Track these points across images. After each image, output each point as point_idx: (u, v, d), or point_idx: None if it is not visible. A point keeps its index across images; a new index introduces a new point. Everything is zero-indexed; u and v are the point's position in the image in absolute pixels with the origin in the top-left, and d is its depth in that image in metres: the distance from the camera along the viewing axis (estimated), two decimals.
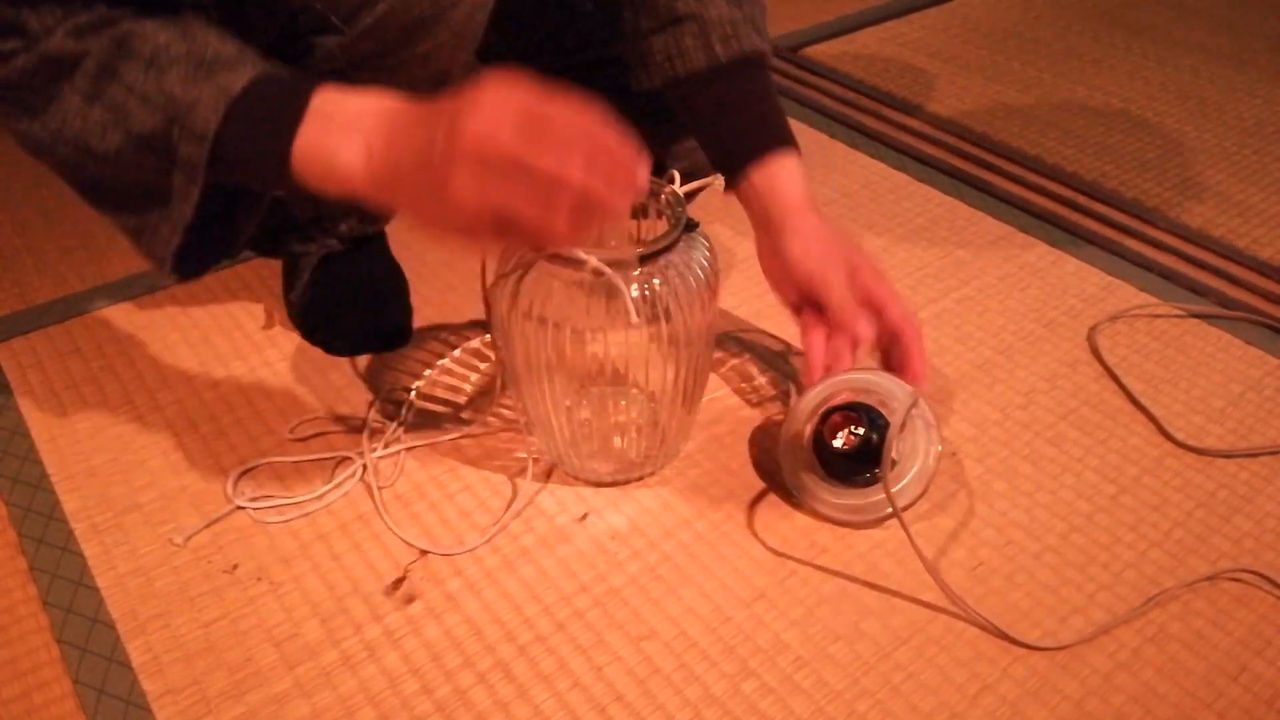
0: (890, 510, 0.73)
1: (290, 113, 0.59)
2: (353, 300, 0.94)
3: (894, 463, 0.75)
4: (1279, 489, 0.82)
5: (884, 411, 0.76)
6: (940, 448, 0.77)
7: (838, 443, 0.75)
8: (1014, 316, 1.00)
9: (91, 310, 0.99)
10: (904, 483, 0.76)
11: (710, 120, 0.83)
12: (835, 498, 0.77)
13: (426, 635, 0.70)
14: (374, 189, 0.58)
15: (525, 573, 0.74)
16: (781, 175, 0.80)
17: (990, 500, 0.80)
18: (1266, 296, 1.03)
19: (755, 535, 0.77)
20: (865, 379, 0.78)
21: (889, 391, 0.77)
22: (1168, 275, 1.06)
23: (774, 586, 0.74)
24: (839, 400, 0.77)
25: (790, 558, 0.76)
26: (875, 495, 0.76)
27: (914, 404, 0.75)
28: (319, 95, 0.59)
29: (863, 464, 0.75)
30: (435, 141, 0.54)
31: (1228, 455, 0.84)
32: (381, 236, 0.99)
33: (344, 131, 0.59)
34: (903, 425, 0.75)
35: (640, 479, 0.82)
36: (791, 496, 0.79)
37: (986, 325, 0.99)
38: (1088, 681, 0.68)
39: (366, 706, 0.66)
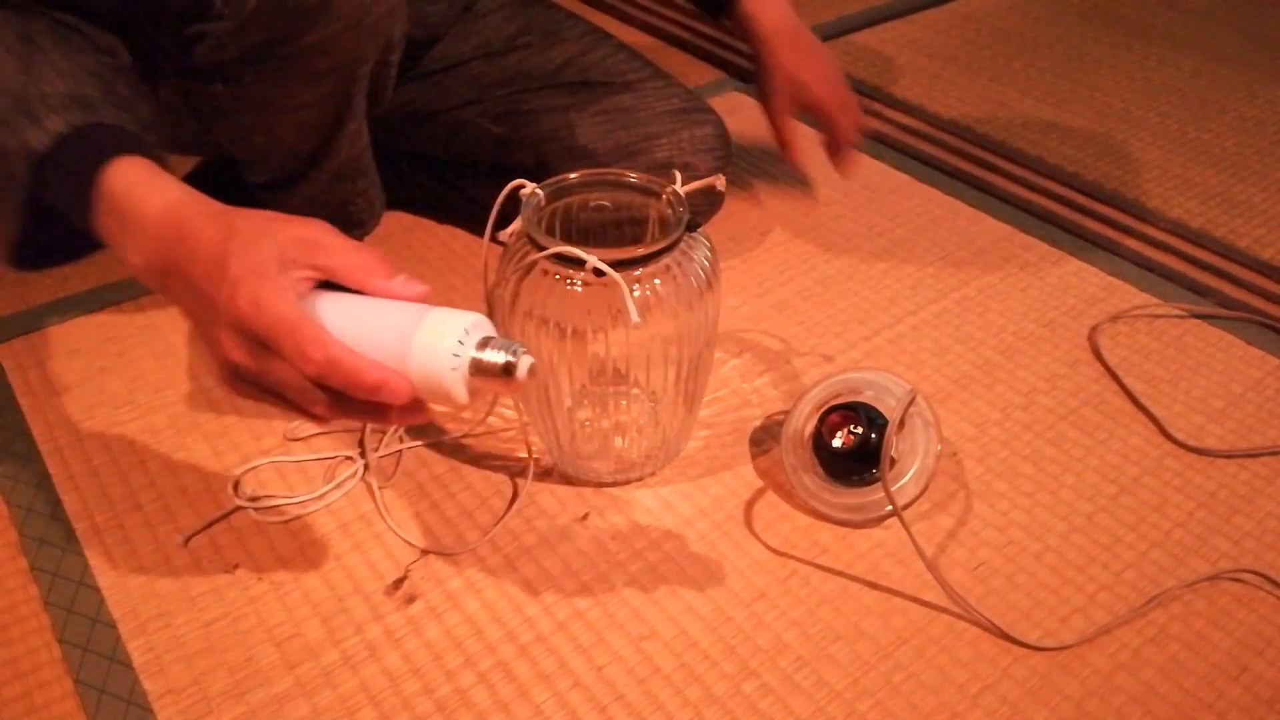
0: (890, 509, 0.73)
1: (83, 195, 0.59)
2: None
3: (893, 461, 0.75)
4: (1279, 489, 0.82)
5: (882, 410, 0.76)
6: (940, 446, 0.77)
7: (836, 442, 0.75)
8: (1014, 316, 1.00)
9: (92, 310, 0.99)
10: (903, 481, 0.76)
11: None
12: (835, 497, 0.77)
13: (427, 635, 0.70)
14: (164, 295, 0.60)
15: (526, 572, 0.75)
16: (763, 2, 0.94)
17: (991, 500, 0.80)
18: (1267, 296, 1.03)
19: (756, 535, 0.77)
20: (863, 378, 0.78)
21: (887, 390, 0.77)
22: (1168, 275, 1.06)
23: (774, 586, 0.74)
24: (838, 400, 0.77)
25: (791, 557, 0.76)
26: (875, 494, 0.76)
27: (911, 402, 0.75)
28: (109, 181, 0.58)
29: (862, 463, 0.75)
30: (203, 300, 0.55)
31: (1228, 455, 0.85)
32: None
33: (129, 236, 0.58)
34: (901, 424, 0.75)
35: (641, 479, 0.82)
36: (792, 496, 0.79)
37: (987, 325, 0.99)
38: (1088, 682, 0.68)
39: (367, 706, 0.66)
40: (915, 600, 0.73)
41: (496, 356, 0.56)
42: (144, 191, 0.58)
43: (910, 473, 0.76)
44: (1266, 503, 0.81)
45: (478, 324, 0.56)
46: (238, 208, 0.57)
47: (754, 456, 0.84)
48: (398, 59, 0.86)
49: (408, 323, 0.55)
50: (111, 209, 0.58)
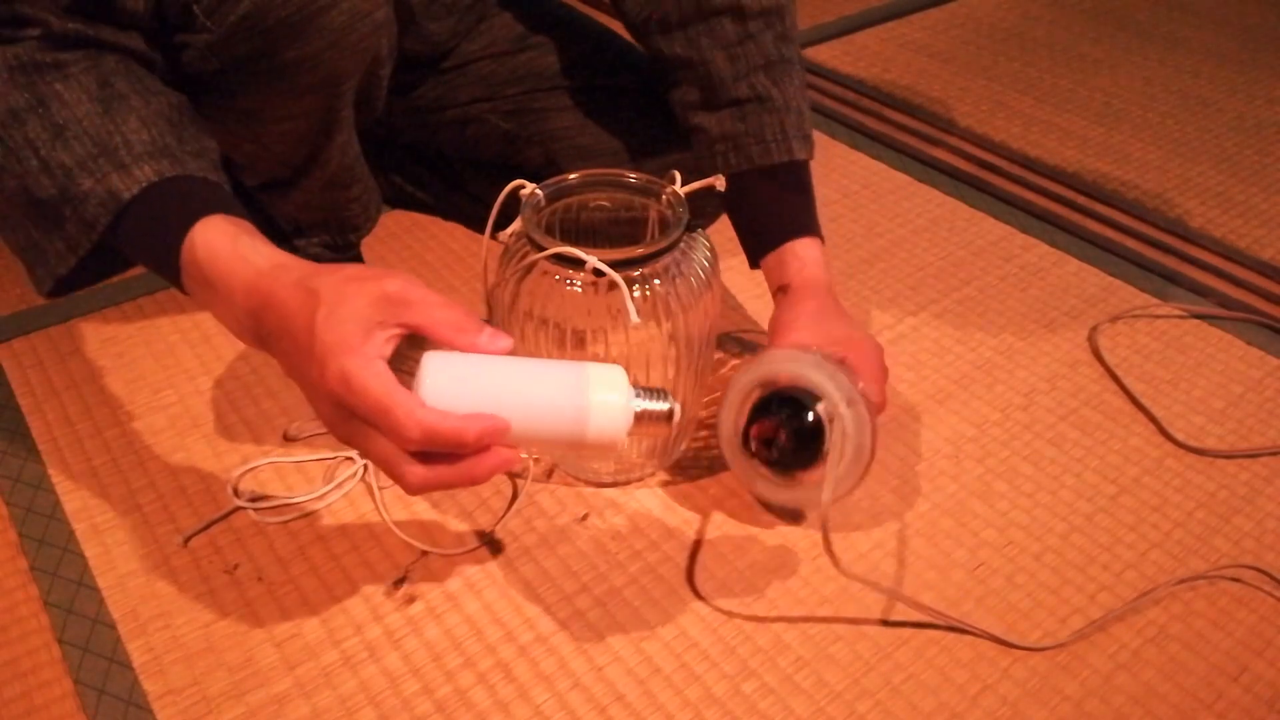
0: (831, 497, 0.69)
1: (169, 253, 0.59)
2: None
3: (824, 454, 0.70)
4: (1279, 489, 0.82)
5: (807, 390, 0.70)
6: (869, 423, 0.70)
7: (768, 447, 0.71)
8: (1014, 317, 1.00)
9: (92, 310, 0.99)
10: (840, 470, 0.70)
11: (746, 206, 0.83)
12: (779, 491, 0.75)
13: (427, 635, 0.70)
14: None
15: (526, 573, 0.75)
16: (797, 261, 0.80)
17: (991, 500, 0.80)
18: (1267, 296, 1.03)
19: (755, 535, 0.77)
20: (772, 369, 0.72)
21: (801, 372, 0.71)
22: (1168, 275, 1.06)
23: (775, 586, 0.74)
24: (759, 399, 0.73)
25: (791, 557, 0.76)
26: (816, 485, 0.71)
27: (830, 375, 0.70)
28: (196, 248, 0.58)
29: (801, 455, 0.71)
30: (300, 371, 0.55)
31: (1228, 456, 0.85)
32: (354, 251, 1.00)
33: (220, 303, 0.59)
34: (827, 418, 0.70)
35: (640, 479, 0.82)
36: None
37: (987, 325, 0.99)
38: (1088, 682, 0.68)
39: (367, 707, 0.66)
40: (916, 600, 0.73)
41: (660, 405, 0.58)
42: (228, 261, 0.58)
43: (846, 462, 0.70)
44: (1266, 503, 0.81)
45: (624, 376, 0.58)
46: (325, 266, 0.57)
47: None
48: (389, 73, 0.86)
49: (570, 384, 0.56)
50: (199, 276, 0.59)
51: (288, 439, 0.85)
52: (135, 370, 0.92)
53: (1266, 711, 0.66)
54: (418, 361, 0.55)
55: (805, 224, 0.81)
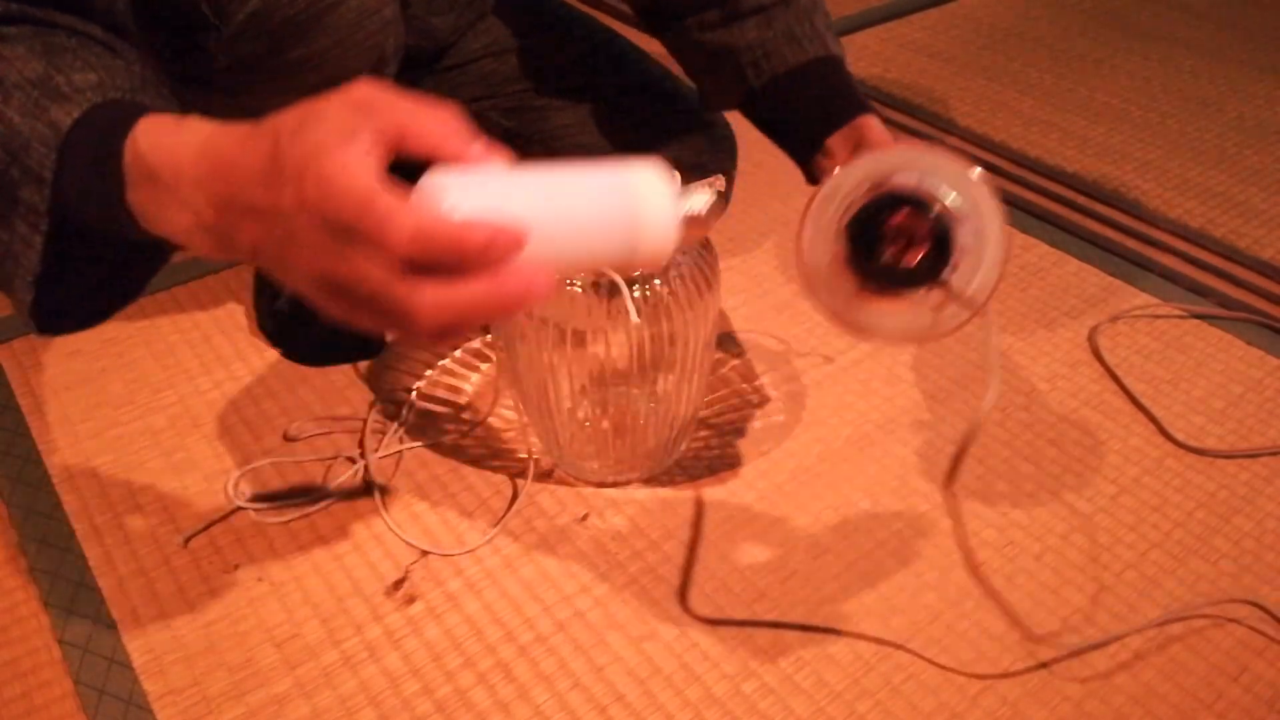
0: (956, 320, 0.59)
1: (113, 168, 0.50)
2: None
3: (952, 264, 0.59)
4: (1279, 489, 0.82)
5: (930, 189, 0.58)
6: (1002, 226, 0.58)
7: (894, 258, 0.59)
8: (1014, 317, 1.00)
9: None
10: (981, 273, 0.59)
11: (786, 110, 0.78)
12: (899, 318, 0.62)
13: (427, 635, 0.70)
14: (231, 257, 0.50)
15: (526, 573, 0.75)
16: (873, 132, 0.72)
17: (991, 500, 0.80)
18: (1267, 296, 1.03)
19: (756, 535, 0.77)
20: (889, 162, 0.61)
21: (930, 163, 0.60)
22: (1168, 275, 1.06)
23: (775, 586, 0.74)
24: (884, 190, 0.60)
25: (791, 557, 0.76)
26: (929, 301, 0.60)
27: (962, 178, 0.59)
28: (136, 143, 0.49)
29: (935, 262, 0.59)
30: (268, 220, 0.45)
31: (1228, 456, 0.84)
32: None
33: (169, 194, 0.49)
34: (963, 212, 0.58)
35: (640, 479, 0.82)
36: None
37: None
38: (1088, 682, 0.68)
39: (367, 707, 0.66)
40: (916, 600, 0.73)
41: (701, 199, 0.50)
42: (171, 140, 0.49)
43: (986, 261, 0.58)
44: (1266, 503, 0.81)
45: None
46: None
47: (754, 457, 0.84)
48: (394, 71, 0.86)
49: (613, 194, 0.46)
50: (143, 173, 0.50)
51: (288, 439, 0.85)
52: (135, 370, 0.92)
53: (1266, 711, 0.66)
54: None
55: (863, 104, 0.74)
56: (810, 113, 0.77)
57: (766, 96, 0.76)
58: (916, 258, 0.58)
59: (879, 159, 0.61)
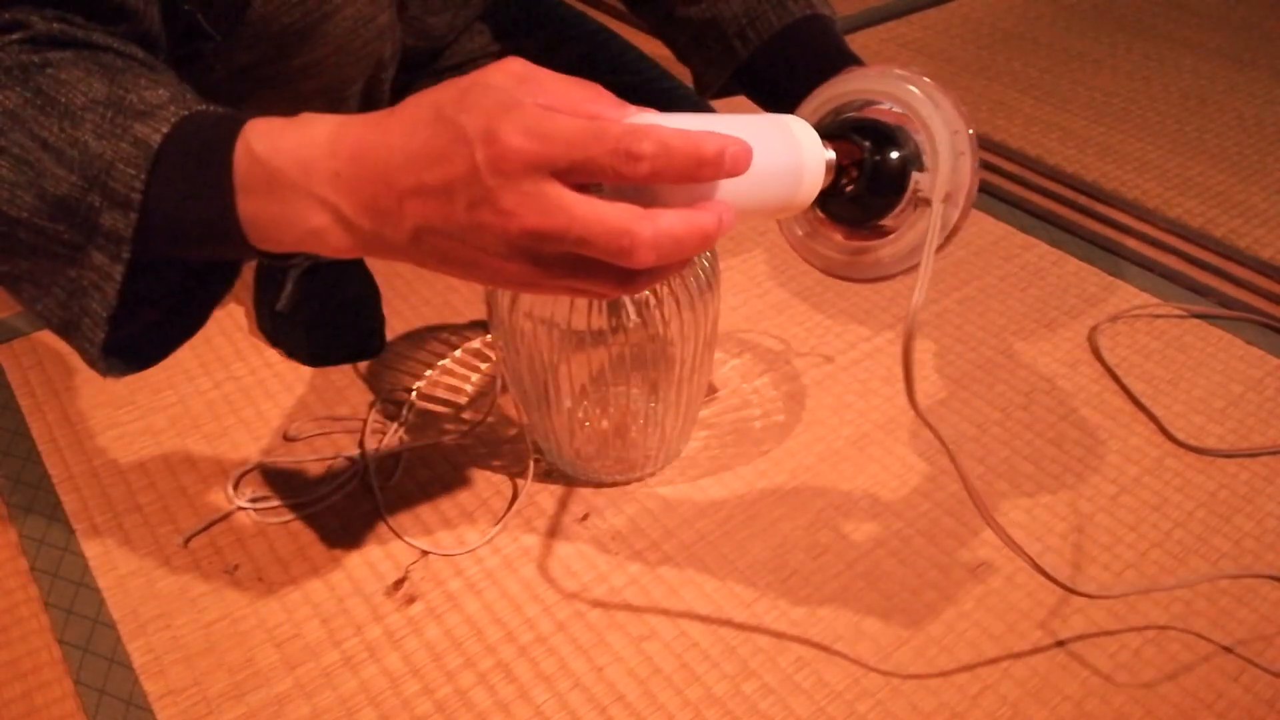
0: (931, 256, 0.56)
1: (222, 166, 0.48)
2: (333, 310, 0.94)
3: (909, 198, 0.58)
4: (1279, 489, 0.82)
5: (897, 121, 0.58)
6: (961, 131, 0.57)
7: (846, 180, 0.57)
8: (1014, 316, 1.00)
9: None
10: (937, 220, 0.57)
11: (776, 73, 0.77)
12: (845, 252, 0.62)
13: (427, 635, 0.70)
14: (370, 254, 0.48)
15: (526, 573, 0.75)
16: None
17: (991, 500, 0.80)
18: (1267, 296, 1.03)
19: (756, 535, 0.77)
20: (853, 86, 0.61)
21: (892, 90, 0.59)
22: (1168, 275, 1.06)
23: (775, 586, 0.74)
24: (830, 126, 0.61)
25: (791, 557, 0.76)
26: (891, 243, 0.59)
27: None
28: (249, 146, 0.47)
29: (885, 195, 0.58)
30: (443, 193, 0.43)
31: (1228, 455, 0.85)
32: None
33: (297, 196, 0.47)
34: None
35: (640, 479, 0.82)
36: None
37: (987, 325, 0.99)
38: (1088, 682, 0.68)
39: (367, 707, 0.66)
40: (916, 599, 0.73)
41: (830, 153, 0.52)
42: (293, 140, 0.47)
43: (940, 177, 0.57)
44: (1266, 503, 0.81)
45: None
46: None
47: (754, 457, 0.84)
48: (390, 75, 0.86)
49: (783, 142, 0.49)
50: (262, 179, 0.47)
51: (288, 439, 0.85)
52: None
53: (1266, 711, 0.66)
54: None
55: (852, 58, 0.73)
56: (799, 73, 0.75)
57: (757, 66, 0.76)
58: (854, 187, 0.57)
59: (829, 89, 0.61)
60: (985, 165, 1.24)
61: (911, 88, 0.58)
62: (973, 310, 1.01)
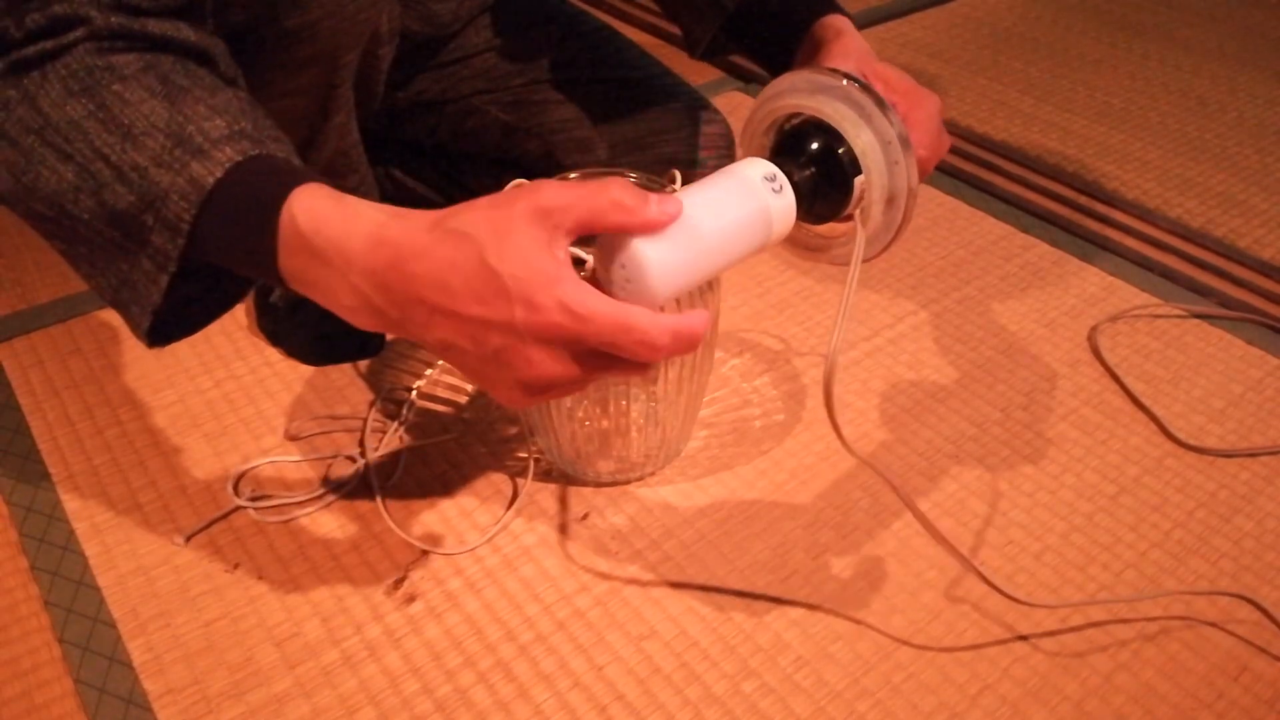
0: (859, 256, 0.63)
1: (264, 232, 0.52)
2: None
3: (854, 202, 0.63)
4: (1279, 489, 0.82)
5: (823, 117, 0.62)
6: (895, 131, 0.61)
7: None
8: (1014, 316, 1.00)
9: (92, 310, 0.99)
10: (869, 223, 0.63)
11: (757, 23, 0.79)
12: (800, 242, 0.67)
13: (427, 635, 0.70)
14: (385, 331, 0.54)
15: (526, 572, 0.75)
16: (833, 29, 0.74)
17: (991, 500, 0.80)
18: (1267, 296, 1.03)
19: (756, 534, 0.77)
20: (784, 101, 0.64)
21: (816, 104, 0.63)
22: (1168, 275, 1.06)
23: (775, 585, 0.74)
24: (789, 130, 0.64)
25: (791, 557, 0.76)
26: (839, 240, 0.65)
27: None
28: (294, 216, 0.51)
29: (828, 198, 0.62)
30: (474, 324, 0.49)
31: (1228, 455, 0.85)
32: None
33: (330, 271, 0.51)
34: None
35: (641, 479, 0.82)
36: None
37: (987, 325, 0.99)
38: (1088, 682, 0.68)
39: (367, 706, 0.66)
40: (916, 599, 0.73)
41: (790, 196, 0.58)
42: (337, 227, 0.51)
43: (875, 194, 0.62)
44: (1266, 503, 0.81)
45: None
46: (438, 211, 0.52)
47: (754, 456, 0.84)
48: (389, 54, 0.86)
49: (761, 225, 0.56)
50: (304, 249, 0.52)
51: (288, 438, 0.85)
52: (135, 370, 0.92)
53: (1266, 711, 0.66)
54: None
55: (831, 5, 0.75)
56: (781, 18, 0.77)
57: (743, 15, 0.77)
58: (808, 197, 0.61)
59: (784, 93, 0.64)
60: (985, 165, 1.24)
61: (841, 104, 0.61)
62: (973, 310, 1.01)
